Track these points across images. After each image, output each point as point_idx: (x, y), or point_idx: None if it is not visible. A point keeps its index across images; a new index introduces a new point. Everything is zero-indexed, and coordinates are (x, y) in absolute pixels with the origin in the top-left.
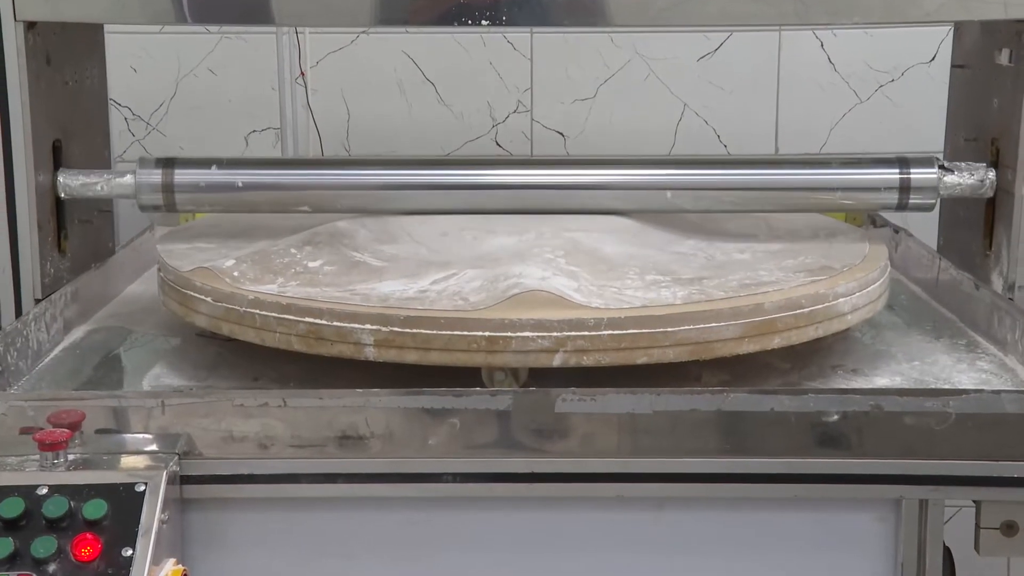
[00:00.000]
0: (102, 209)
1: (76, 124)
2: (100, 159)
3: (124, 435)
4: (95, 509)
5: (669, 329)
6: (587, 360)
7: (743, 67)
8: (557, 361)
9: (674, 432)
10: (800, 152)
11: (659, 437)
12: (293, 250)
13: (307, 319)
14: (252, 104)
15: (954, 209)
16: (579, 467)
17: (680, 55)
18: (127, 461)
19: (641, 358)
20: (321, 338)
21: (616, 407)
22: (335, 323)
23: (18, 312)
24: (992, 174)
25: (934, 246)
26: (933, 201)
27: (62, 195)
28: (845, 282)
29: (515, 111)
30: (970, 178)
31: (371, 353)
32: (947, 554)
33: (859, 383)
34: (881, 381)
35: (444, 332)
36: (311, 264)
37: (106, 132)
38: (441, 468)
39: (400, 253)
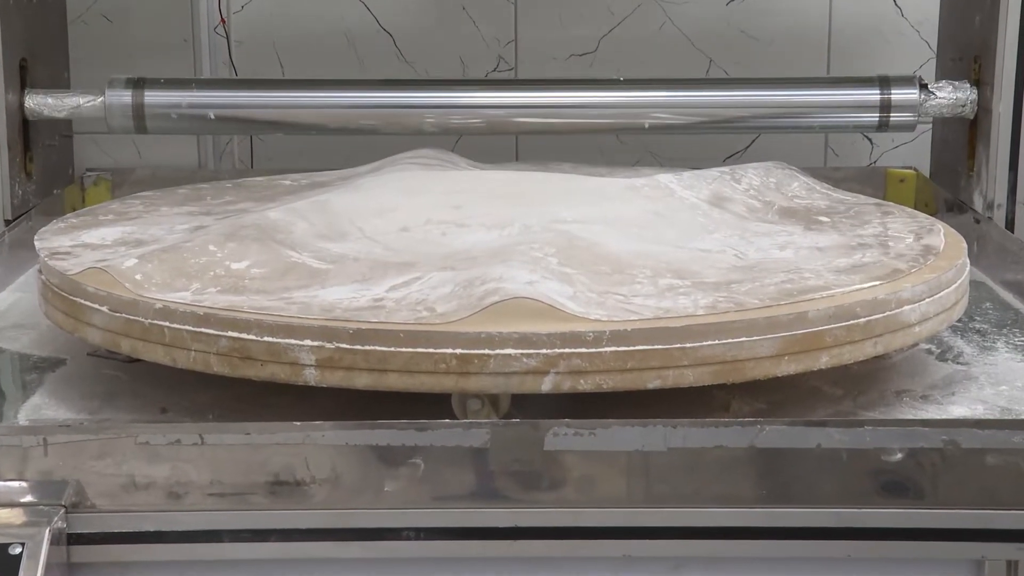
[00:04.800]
0: (63, 134)
1: (39, 44)
2: (61, 80)
3: None
4: None
5: (688, 345)
6: (585, 384)
7: (785, 12)
8: (547, 385)
9: (695, 475)
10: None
11: (676, 481)
12: (212, 247)
13: (230, 333)
14: (158, 59)
15: (943, 133)
16: (575, 520)
17: None
18: None
19: (653, 381)
20: (248, 357)
21: (621, 443)
22: (266, 338)
23: None
24: (975, 93)
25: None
26: (914, 119)
27: (29, 116)
28: (912, 285)
29: (495, 69)
30: (952, 97)
31: (312, 376)
32: None
33: (930, 412)
34: (958, 411)
35: (404, 349)
36: (235, 265)
37: (66, 54)
38: (401, 522)
39: (349, 252)
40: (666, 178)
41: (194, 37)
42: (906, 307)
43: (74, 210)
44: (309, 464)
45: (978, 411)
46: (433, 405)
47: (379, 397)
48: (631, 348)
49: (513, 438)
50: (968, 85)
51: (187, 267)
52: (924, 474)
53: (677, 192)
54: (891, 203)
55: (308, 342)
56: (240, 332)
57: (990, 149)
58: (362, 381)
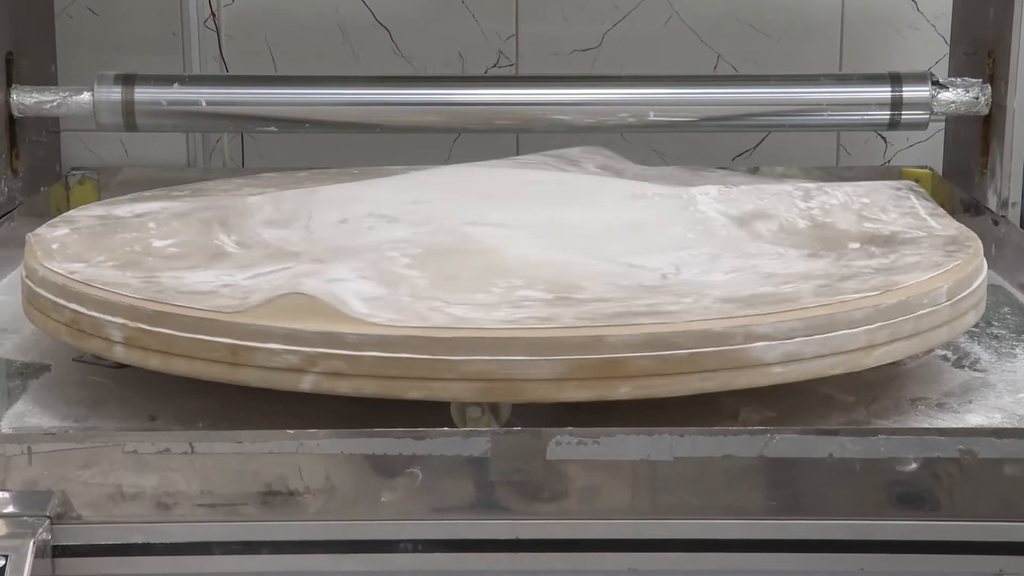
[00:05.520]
0: (50, 130)
1: (25, 38)
2: (48, 75)
3: None
4: None
5: (454, 358)
6: (343, 387)
7: (796, 6)
8: (307, 384)
9: (703, 485)
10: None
11: (683, 492)
12: (152, 224)
13: (72, 306)
14: (146, 53)
15: (956, 131)
16: (578, 532)
17: None
18: None
19: (414, 392)
20: (80, 330)
21: (626, 452)
22: (91, 312)
23: None
24: (988, 90)
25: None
26: (926, 117)
27: (15, 112)
28: (775, 321)
29: (495, 65)
30: (965, 94)
31: (120, 353)
32: None
33: (946, 421)
34: (975, 419)
35: (186, 335)
36: (157, 243)
37: (53, 48)
38: (398, 534)
39: (271, 239)
40: (706, 187)
41: (183, 30)
42: (759, 343)
43: (59, 210)
44: (303, 473)
45: (996, 420)
46: (431, 413)
47: (376, 404)
48: (394, 355)
49: (514, 447)
50: (981, 82)
51: (111, 241)
52: (940, 485)
53: (699, 204)
54: (970, 234)
55: (119, 320)
56: (78, 305)
57: (1004, 146)
58: (154, 362)
